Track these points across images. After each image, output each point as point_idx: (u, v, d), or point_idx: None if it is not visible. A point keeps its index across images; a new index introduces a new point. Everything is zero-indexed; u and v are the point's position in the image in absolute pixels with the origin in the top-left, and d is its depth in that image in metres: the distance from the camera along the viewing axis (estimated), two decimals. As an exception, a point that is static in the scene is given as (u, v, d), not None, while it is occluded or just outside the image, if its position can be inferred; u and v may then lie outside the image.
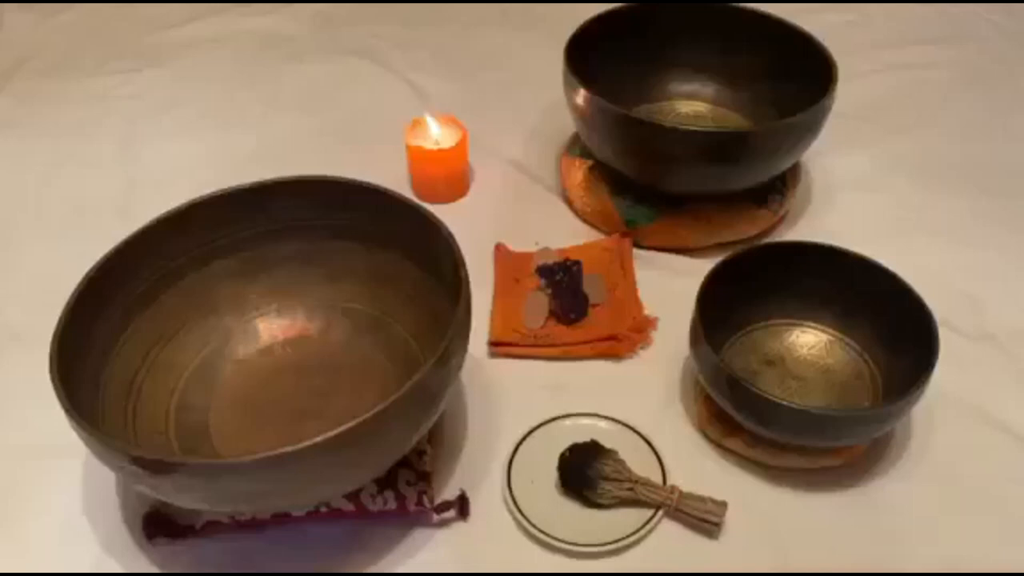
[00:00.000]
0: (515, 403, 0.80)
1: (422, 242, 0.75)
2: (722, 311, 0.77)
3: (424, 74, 1.25)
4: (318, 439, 0.57)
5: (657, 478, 0.72)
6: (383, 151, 1.05)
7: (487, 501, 0.73)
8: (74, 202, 1.05)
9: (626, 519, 0.70)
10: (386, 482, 0.71)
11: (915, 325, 0.74)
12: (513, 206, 1.04)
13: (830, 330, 0.82)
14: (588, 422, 0.77)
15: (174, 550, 0.70)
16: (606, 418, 0.77)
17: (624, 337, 0.85)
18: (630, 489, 0.70)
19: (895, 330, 0.77)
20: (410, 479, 0.72)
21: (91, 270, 0.70)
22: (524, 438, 0.76)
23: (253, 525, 0.70)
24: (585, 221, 1.00)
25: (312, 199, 0.80)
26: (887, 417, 0.71)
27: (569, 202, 1.02)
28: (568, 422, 0.77)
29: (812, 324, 0.82)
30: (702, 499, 0.70)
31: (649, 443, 0.75)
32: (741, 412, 0.71)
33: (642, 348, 0.86)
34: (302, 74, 1.26)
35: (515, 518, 0.71)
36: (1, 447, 0.78)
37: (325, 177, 0.79)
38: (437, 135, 1.01)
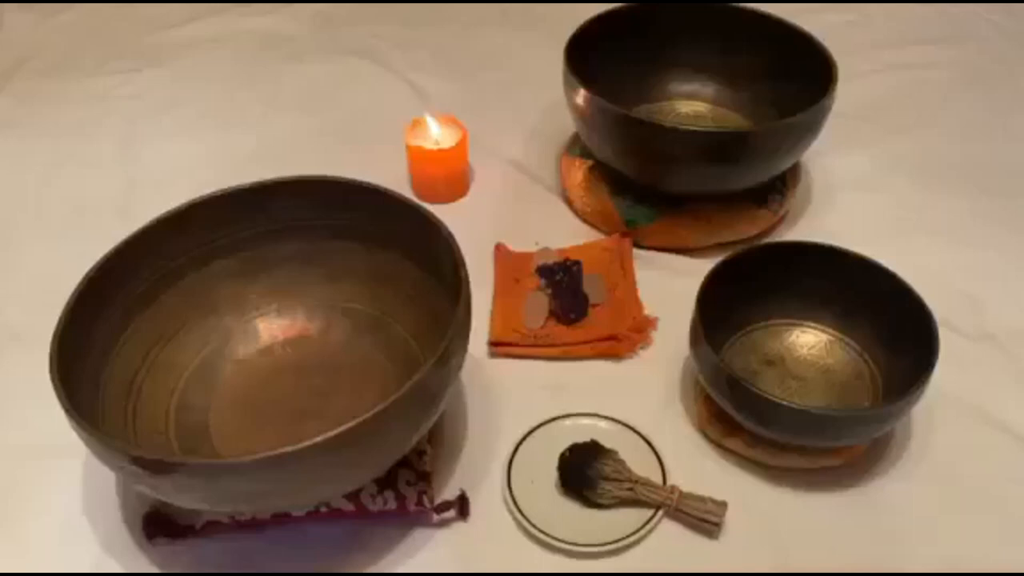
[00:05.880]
0: (515, 403, 0.80)
1: (422, 242, 0.75)
2: (722, 311, 0.77)
3: (424, 74, 1.25)
4: (318, 439, 0.57)
5: (657, 478, 0.72)
6: (383, 151, 1.05)
7: (487, 501, 0.73)
8: (74, 202, 1.05)
9: (626, 519, 0.70)
10: (386, 482, 0.71)
11: (915, 325, 0.74)
12: (513, 206, 1.04)
13: (830, 330, 0.82)
14: (588, 422, 0.77)
15: (174, 550, 0.70)
16: (606, 418, 0.77)
17: (624, 337, 0.85)
18: (630, 489, 0.70)
19: (895, 330, 0.77)
20: (410, 479, 0.72)
21: (91, 270, 0.70)
22: (524, 438, 0.76)
23: (253, 525, 0.70)
24: (585, 221, 1.00)
25: (312, 199, 0.80)
26: (887, 417, 0.71)
27: (569, 202, 1.02)
28: (568, 422, 0.77)
29: (812, 324, 0.82)
30: (702, 499, 0.70)
31: (649, 443, 0.75)
32: (741, 412, 0.71)
33: (642, 348, 0.86)
34: (302, 74, 1.26)
35: (515, 518, 0.71)
36: (1, 447, 0.78)
37: (325, 177, 0.79)
38: (437, 135, 1.01)
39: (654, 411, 0.80)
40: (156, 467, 0.58)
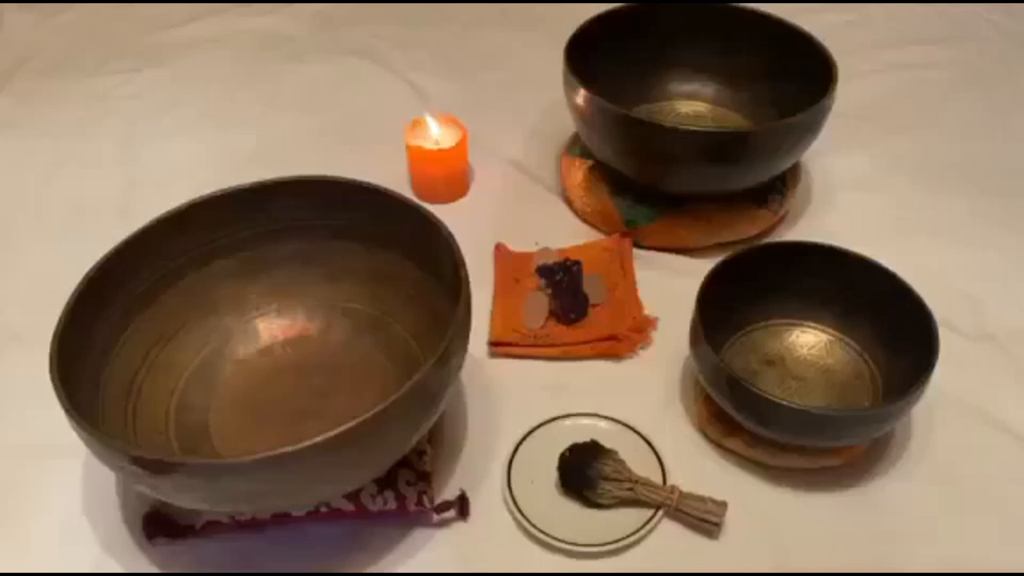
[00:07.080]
0: (515, 403, 0.80)
1: (422, 242, 0.75)
2: (722, 311, 0.77)
3: (424, 74, 1.25)
4: (318, 439, 0.57)
5: (657, 478, 0.72)
6: (383, 151, 1.05)
7: (487, 501, 0.73)
8: (74, 202, 1.05)
9: (626, 519, 0.70)
10: (386, 482, 0.71)
11: (915, 325, 0.74)
12: (513, 206, 1.04)
13: (830, 330, 0.82)
14: (588, 422, 0.77)
15: (174, 550, 0.70)
16: (606, 418, 0.77)
17: (624, 337, 0.85)
18: (630, 489, 0.70)
19: (895, 330, 0.77)
20: (410, 479, 0.72)
21: (91, 270, 0.70)
22: (524, 438, 0.76)
23: (253, 525, 0.70)
24: (585, 221, 1.00)
25: (312, 199, 0.80)
26: (887, 417, 0.71)
27: (569, 202, 1.02)
28: (568, 422, 0.77)
29: (812, 324, 0.82)
30: (702, 499, 0.70)
31: (649, 443, 0.75)
32: (741, 412, 0.71)
33: (642, 348, 0.86)
34: (302, 74, 1.27)
35: (515, 518, 0.71)
36: (1, 447, 0.78)
37: (325, 177, 0.79)
38: (437, 135, 1.01)
39: (654, 411, 0.80)
40: (156, 467, 0.58)
